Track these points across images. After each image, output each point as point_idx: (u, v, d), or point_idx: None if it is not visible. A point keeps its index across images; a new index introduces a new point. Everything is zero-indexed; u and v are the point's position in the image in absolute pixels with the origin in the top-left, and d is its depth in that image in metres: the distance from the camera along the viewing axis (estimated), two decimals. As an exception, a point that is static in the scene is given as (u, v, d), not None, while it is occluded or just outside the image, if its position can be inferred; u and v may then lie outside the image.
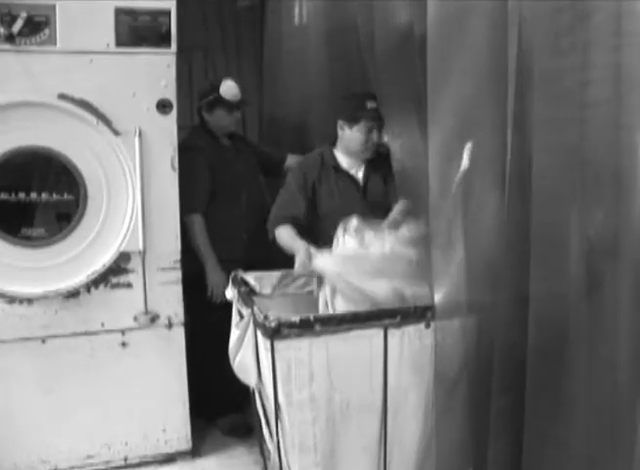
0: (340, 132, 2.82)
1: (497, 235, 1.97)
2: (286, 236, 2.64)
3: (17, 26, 2.52)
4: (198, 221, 3.08)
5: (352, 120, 2.74)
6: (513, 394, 1.90)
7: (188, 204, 2.93)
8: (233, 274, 2.53)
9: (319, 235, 2.64)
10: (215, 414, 3.28)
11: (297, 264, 2.44)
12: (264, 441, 2.45)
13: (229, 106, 3.18)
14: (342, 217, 2.43)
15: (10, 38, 2.53)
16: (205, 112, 3.22)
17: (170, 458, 3.00)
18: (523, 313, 1.84)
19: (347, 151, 2.82)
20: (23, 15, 2.53)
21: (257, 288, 2.54)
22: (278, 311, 2.10)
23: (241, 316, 2.29)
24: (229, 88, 3.15)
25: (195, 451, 3.04)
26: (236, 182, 3.22)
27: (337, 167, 2.82)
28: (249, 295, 2.38)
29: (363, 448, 2.14)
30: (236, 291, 2.42)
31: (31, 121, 2.62)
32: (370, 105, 2.68)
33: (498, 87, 1.91)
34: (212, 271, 3.11)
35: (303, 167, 2.86)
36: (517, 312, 1.87)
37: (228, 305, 2.63)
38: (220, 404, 3.26)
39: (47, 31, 2.58)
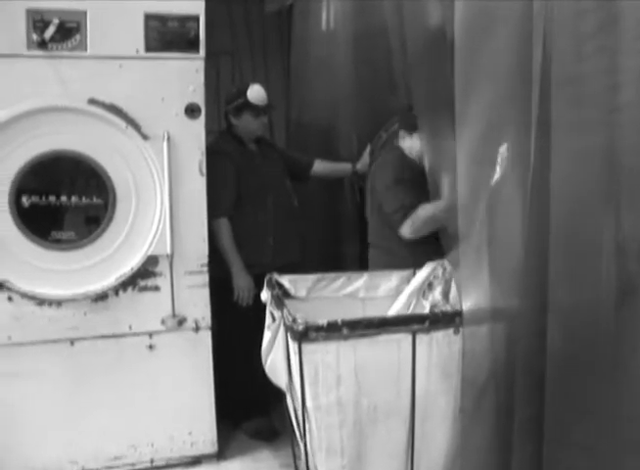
0: (401, 142, 2.90)
1: (525, 241, 1.95)
2: (428, 208, 2.65)
3: (49, 32, 2.56)
4: (224, 225, 3.10)
5: (414, 129, 2.79)
6: (540, 401, 1.88)
7: (214, 208, 2.94)
8: (268, 277, 2.54)
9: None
10: (241, 417, 3.29)
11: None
12: (296, 443, 2.46)
13: (256, 110, 3.19)
14: None
15: (42, 44, 2.57)
16: (233, 116, 3.23)
17: (196, 461, 3.01)
18: (548, 321, 1.82)
19: None
20: (55, 21, 2.57)
21: (292, 291, 2.55)
22: (312, 315, 2.10)
23: (273, 319, 2.30)
24: (256, 93, 3.16)
25: (220, 454, 3.05)
26: (262, 187, 3.23)
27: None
28: (282, 298, 2.39)
29: (390, 453, 2.13)
30: (270, 293, 2.43)
31: (62, 126, 2.66)
32: None
33: (526, 91, 1.90)
34: (238, 275, 3.12)
35: (403, 164, 2.88)
36: (543, 320, 1.85)
37: (254, 308, 2.63)
38: (246, 408, 3.27)
39: (78, 37, 2.62)
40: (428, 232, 2.67)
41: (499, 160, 2.05)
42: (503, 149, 2.03)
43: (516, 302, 1.98)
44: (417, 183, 2.69)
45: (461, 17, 2.01)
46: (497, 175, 2.06)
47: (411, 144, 2.85)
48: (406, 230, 2.69)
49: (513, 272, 2.00)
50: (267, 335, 2.29)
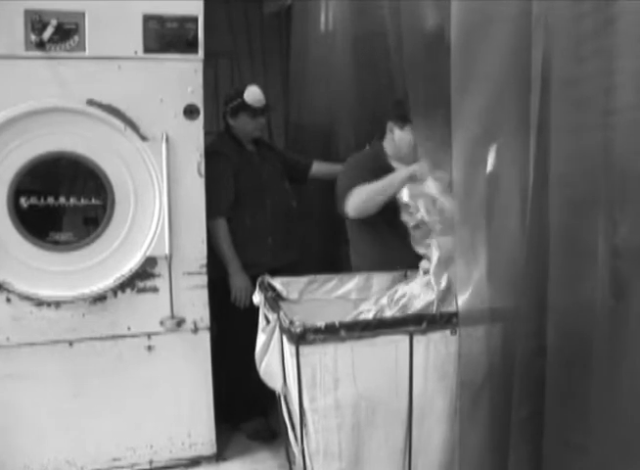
0: (389, 135, 2.88)
1: (521, 242, 1.95)
2: (370, 187, 2.67)
3: (47, 33, 2.56)
4: (222, 226, 3.10)
5: (403, 122, 2.77)
6: (537, 402, 1.88)
7: (212, 208, 2.94)
8: (260, 279, 2.54)
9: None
10: (240, 418, 3.29)
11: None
12: (290, 445, 2.45)
13: (253, 111, 3.20)
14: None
15: (40, 45, 2.57)
16: (230, 117, 3.25)
17: (195, 462, 3.01)
18: (546, 322, 1.82)
19: (396, 155, 2.87)
20: (54, 22, 2.57)
21: (284, 293, 2.55)
22: (305, 317, 2.10)
23: (267, 321, 2.29)
24: (253, 94, 3.17)
25: (219, 456, 3.05)
26: (260, 187, 3.24)
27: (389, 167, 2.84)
28: (275, 300, 2.39)
29: (388, 455, 2.12)
30: (263, 296, 2.42)
31: (60, 127, 2.66)
32: None
33: (522, 93, 1.90)
34: (236, 276, 3.12)
35: (361, 166, 2.87)
36: (540, 320, 1.85)
37: (252, 309, 2.64)
38: (244, 409, 3.27)
39: (76, 38, 2.62)
40: (370, 210, 2.69)
41: (489, 158, 2.05)
42: (492, 149, 2.04)
43: (513, 302, 1.98)
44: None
45: (457, 17, 2.01)
46: (489, 169, 2.06)
47: (401, 137, 2.81)
48: (349, 208, 2.72)
49: (511, 273, 2.00)
50: (261, 338, 2.29)
